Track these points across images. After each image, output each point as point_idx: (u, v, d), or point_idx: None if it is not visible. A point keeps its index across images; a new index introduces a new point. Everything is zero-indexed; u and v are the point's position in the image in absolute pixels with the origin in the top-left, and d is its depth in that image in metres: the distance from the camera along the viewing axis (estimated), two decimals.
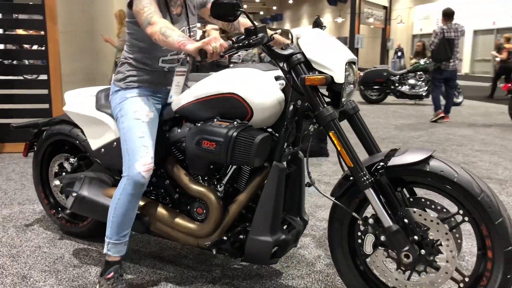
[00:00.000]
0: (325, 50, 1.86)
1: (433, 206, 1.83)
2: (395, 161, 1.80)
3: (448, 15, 7.63)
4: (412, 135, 6.58)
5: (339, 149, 1.82)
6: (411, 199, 1.86)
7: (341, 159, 1.85)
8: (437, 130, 7.02)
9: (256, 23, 1.79)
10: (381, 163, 1.82)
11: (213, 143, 1.92)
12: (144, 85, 2.21)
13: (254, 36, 1.77)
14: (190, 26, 2.23)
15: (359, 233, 1.95)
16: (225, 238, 2.07)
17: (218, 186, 2.11)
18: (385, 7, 27.39)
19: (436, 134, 6.65)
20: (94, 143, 2.46)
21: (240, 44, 1.77)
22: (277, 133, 2.02)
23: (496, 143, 6.05)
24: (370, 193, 1.80)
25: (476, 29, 22.33)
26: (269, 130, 2.02)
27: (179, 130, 2.19)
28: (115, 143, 2.33)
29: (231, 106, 1.98)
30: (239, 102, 1.96)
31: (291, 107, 1.94)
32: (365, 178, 1.79)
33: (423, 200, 1.85)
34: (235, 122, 1.95)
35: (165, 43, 1.87)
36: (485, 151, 5.50)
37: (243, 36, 1.80)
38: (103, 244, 2.19)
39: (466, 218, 1.76)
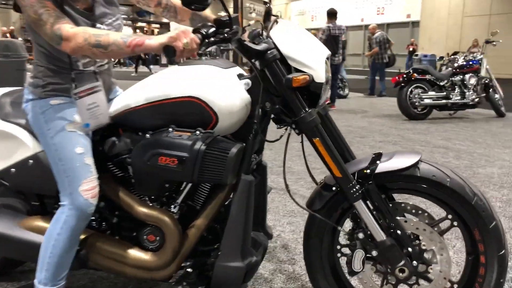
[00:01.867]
0: (301, 45, 1.62)
1: (414, 211, 1.71)
2: (383, 167, 1.64)
3: (332, 14, 8.59)
4: None
5: (325, 158, 1.61)
6: (394, 207, 1.72)
7: (325, 169, 1.64)
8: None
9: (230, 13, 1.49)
10: (368, 170, 1.64)
11: (174, 160, 1.58)
12: (69, 93, 1.71)
13: (229, 29, 1.47)
14: (110, 20, 1.72)
15: (339, 247, 1.77)
16: (189, 270, 1.74)
17: (172, 206, 1.77)
18: (265, 3, 27.94)
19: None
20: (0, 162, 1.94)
21: (214, 39, 1.46)
22: (241, 141, 1.76)
23: (394, 133, 6.38)
24: (361, 205, 1.62)
25: (347, 25, 23.85)
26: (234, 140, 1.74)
27: (117, 142, 1.79)
28: (30, 161, 1.85)
29: (190, 112, 1.66)
30: (201, 107, 1.64)
31: (259, 110, 1.68)
32: (355, 189, 1.60)
33: (403, 205, 1.72)
34: (197, 132, 1.63)
35: (106, 55, 1.48)
36: (387, 141, 5.75)
37: (214, 29, 1.49)
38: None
39: (455, 223, 1.66)
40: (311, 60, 1.59)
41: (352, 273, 1.70)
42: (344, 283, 1.83)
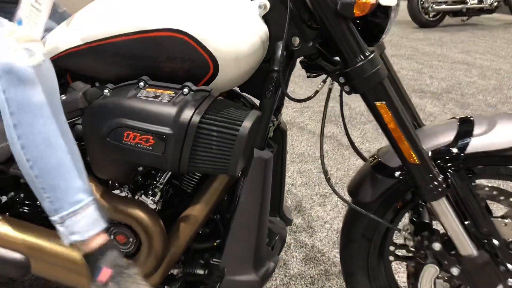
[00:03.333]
0: None
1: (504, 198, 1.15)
2: (479, 144, 1.05)
3: None
4: None
5: (394, 134, 1.00)
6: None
7: (395, 150, 1.04)
8: None
9: None
10: (456, 149, 1.05)
11: (147, 137, 0.97)
12: None
13: None
14: None
15: (392, 248, 1.23)
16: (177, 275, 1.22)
17: (150, 192, 1.19)
18: None
19: None
20: None
21: None
22: (255, 98, 1.14)
23: (405, 44, 5.67)
24: (443, 205, 1.04)
25: None
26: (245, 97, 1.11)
27: (63, 97, 1.14)
28: None
29: (173, 57, 1.02)
30: (190, 48, 0.99)
31: (283, 50, 1.04)
32: (436, 182, 1.01)
33: (488, 190, 1.14)
34: (185, 89, 1.00)
35: None
36: (400, 56, 5.07)
37: None
38: None
39: None
40: None
41: None
42: None
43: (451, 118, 1.16)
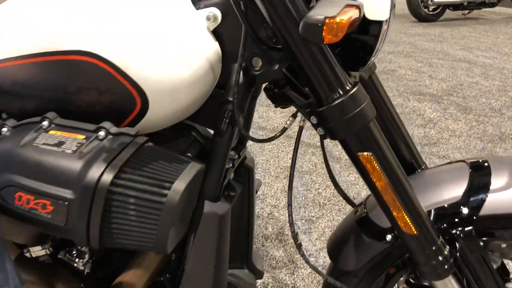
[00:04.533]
0: None
1: None
2: (498, 203, 0.78)
3: None
4: None
5: (384, 195, 0.74)
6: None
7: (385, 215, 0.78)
8: None
9: None
10: (467, 210, 0.79)
11: (44, 203, 0.70)
12: None
13: None
14: None
15: None
16: None
17: (76, 256, 0.92)
18: None
19: None
20: None
21: None
22: (200, 136, 0.89)
23: (404, 40, 5.38)
24: (449, 284, 0.79)
25: None
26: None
27: None
28: None
29: (87, 87, 0.75)
30: (110, 78, 0.73)
31: (237, 75, 0.79)
32: (442, 256, 0.75)
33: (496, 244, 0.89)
34: (102, 132, 0.73)
35: None
36: (398, 53, 4.78)
37: None
38: None
39: None
40: None
41: None
42: None
43: (460, 161, 0.89)
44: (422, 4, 6.47)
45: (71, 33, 0.73)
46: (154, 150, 0.73)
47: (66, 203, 0.68)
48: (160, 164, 0.71)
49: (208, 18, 0.79)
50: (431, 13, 6.62)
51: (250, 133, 0.99)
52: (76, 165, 0.69)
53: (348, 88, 0.70)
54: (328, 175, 0.97)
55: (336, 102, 0.69)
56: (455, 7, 6.70)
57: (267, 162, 2.41)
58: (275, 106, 0.90)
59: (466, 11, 6.92)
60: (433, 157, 2.52)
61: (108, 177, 0.67)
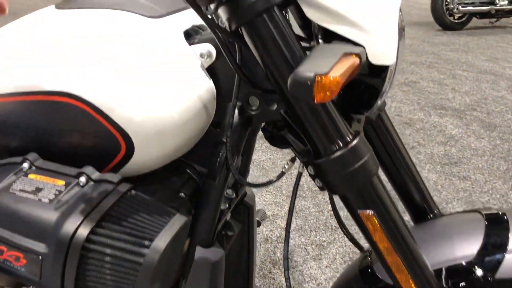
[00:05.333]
0: None
1: None
2: None
3: None
4: None
5: (387, 257, 0.67)
6: None
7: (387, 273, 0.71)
8: None
9: None
10: (481, 272, 0.71)
11: (17, 255, 0.65)
12: None
13: None
14: None
15: None
16: None
17: None
18: None
19: None
20: None
21: None
22: (196, 174, 0.84)
23: (427, 50, 5.25)
24: None
25: None
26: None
27: None
28: None
29: (69, 129, 0.71)
30: (92, 120, 0.68)
31: (236, 111, 0.73)
32: None
33: None
34: (83, 178, 0.68)
35: None
36: (421, 64, 4.66)
37: None
38: None
39: None
40: (370, 7, 0.59)
41: None
42: None
43: (475, 211, 0.82)
44: (447, 12, 6.31)
45: (51, 73, 0.68)
46: (136, 200, 0.68)
47: (40, 257, 0.64)
48: (141, 217, 0.65)
49: (202, 56, 0.74)
50: (456, 21, 6.46)
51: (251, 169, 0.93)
52: (51, 216, 0.64)
53: (348, 139, 0.63)
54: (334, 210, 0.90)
55: (335, 155, 0.62)
56: (482, 15, 6.51)
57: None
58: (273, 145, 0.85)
59: (494, 19, 6.73)
60: (453, 178, 2.41)
61: (83, 232, 0.62)
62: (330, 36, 0.62)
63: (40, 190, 0.67)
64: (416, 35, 6.08)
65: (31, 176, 0.70)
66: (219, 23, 0.65)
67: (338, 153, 0.62)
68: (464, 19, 6.49)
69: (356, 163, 0.62)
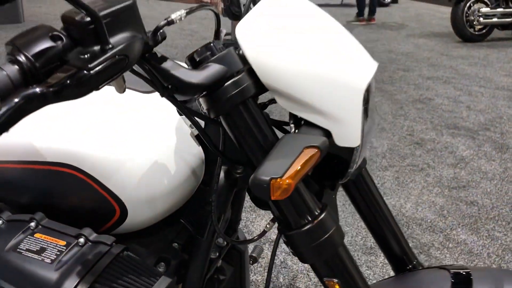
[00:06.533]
0: (310, 54, 0.67)
1: None
2: None
3: None
4: None
5: None
6: None
7: None
8: (376, 46, 6.07)
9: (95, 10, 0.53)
10: None
11: None
12: None
13: (105, 46, 0.54)
14: None
15: None
16: None
17: None
18: None
19: (376, 53, 5.69)
20: None
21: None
22: (190, 223, 0.91)
23: (445, 64, 5.24)
24: None
25: None
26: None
27: None
28: None
29: (69, 195, 0.80)
30: (89, 188, 0.77)
31: (222, 175, 0.81)
32: None
33: None
34: (82, 239, 0.77)
35: None
36: (437, 79, 4.66)
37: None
38: None
39: None
40: (334, 97, 0.66)
41: None
42: None
43: (443, 268, 0.87)
44: (468, 24, 6.26)
45: (54, 146, 0.77)
46: (127, 262, 0.76)
47: None
48: (130, 279, 0.74)
49: (191, 126, 0.81)
50: (477, 33, 6.40)
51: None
52: (52, 277, 0.72)
53: (316, 213, 0.70)
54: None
55: (304, 228, 0.69)
56: (504, 26, 6.44)
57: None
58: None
59: None
60: (460, 203, 2.44)
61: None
62: (301, 120, 0.69)
63: (43, 251, 0.76)
64: (435, 47, 6.06)
65: (36, 235, 0.78)
66: (200, 110, 0.73)
67: (306, 227, 0.69)
68: (485, 30, 6.43)
69: (323, 236, 0.69)
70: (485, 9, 6.18)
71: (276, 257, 2.01)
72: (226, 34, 0.84)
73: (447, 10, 7.89)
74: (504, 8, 6.23)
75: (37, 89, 0.49)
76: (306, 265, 2.00)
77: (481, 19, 6.21)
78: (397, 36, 6.80)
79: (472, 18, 6.22)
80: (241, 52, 0.66)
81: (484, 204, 2.44)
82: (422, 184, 2.64)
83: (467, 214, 2.35)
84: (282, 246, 2.07)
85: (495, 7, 6.24)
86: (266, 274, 1.90)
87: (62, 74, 0.51)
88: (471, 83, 4.54)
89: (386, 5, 9.69)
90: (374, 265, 1.97)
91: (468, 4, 6.19)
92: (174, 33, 6.42)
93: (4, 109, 0.47)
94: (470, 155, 3.01)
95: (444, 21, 7.62)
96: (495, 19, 6.25)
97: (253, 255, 1.22)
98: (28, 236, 0.79)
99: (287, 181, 0.55)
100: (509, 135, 3.32)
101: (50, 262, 0.74)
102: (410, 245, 2.12)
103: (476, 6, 6.20)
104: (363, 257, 2.02)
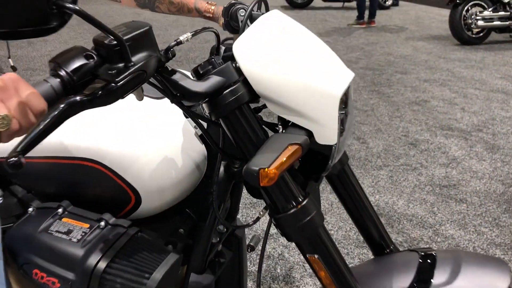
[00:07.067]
0: (295, 68, 0.81)
1: None
2: None
3: None
4: (350, 58, 5.70)
5: (324, 282, 0.87)
6: None
7: None
8: (375, 49, 6.19)
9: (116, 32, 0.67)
10: None
11: (53, 280, 0.88)
12: None
13: (123, 64, 0.67)
14: None
15: None
16: None
17: None
18: None
19: (374, 56, 5.83)
20: None
21: (94, 95, 0.66)
22: (194, 212, 1.04)
23: (442, 67, 5.36)
24: None
25: None
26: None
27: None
28: None
29: (91, 185, 0.94)
30: (109, 179, 0.91)
31: (222, 169, 0.95)
32: None
33: None
34: (102, 222, 0.91)
35: None
36: (434, 82, 4.79)
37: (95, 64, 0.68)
38: None
39: None
40: (314, 104, 0.79)
41: None
42: None
43: (413, 250, 1.01)
44: (465, 27, 6.39)
45: (78, 143, 0.91)
46: (141, 241, 0.90)
47: (70, 283, 0.86)
48: (144, 255, 0.87)
49: (195, 127, 0.95)
50: (474, 36, 6.52)
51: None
52: (78, 252, 0.86)
53: (300, 200, 0.83)
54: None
55: (290, 212, 0.83)
56: (501, 29, 6.56)
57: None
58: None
59: None
60: (450, 201, 2.57)
61: (102, 266, 0.85)
62: (288, 122, 0.83)
63: (70, 232, 0.90)
64: (433, 50, 6.18)
65: (64, 219, 0.92)
66: (203, 113, 0.87)
67: (292, 211, 0.83)
68: (482, 34, 6.55)
69: (305, 218, 0.83)
70: (484, 13, 6.30)
71: (274, 250, 2.14)
72: (228, 39, 0.98)
73: (447, 13, 8.02)
74: (499, 11, 6.35)
75: (77, 98, 0.63)
76: (302, 256, 2.13)
77: (478, 22, 6.33)
78: (396, 39, 6.93)
79: (470, 21, 6.34)
80: (237, 65, 0.80)
81: (472, 201, 2.57)
82: (415, 183, 2.77)
83: (456, 211, 2.48)
84: (280, 240, 2.21)
85: (493, 11, 6.37)
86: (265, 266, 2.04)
87: (95, 85, 0.65)
88: (466, 86, 4.66)
89: (387, 8, 9.80)
90: (366, 257, 2.10)
91: (466, 8, 6.32)
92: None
93: (52, 113, 0.61)
94: (462, 155, 3.14)
95: (444, 24, 7.73)
96: (492, 22, 6.37)
97: (251, 244, 1.35)
98: (57, 220, 0.93)
99: (273, 170, 0.69)
100: (501, 136, 3.44)
101: (76, 241, 0.88)
102: (400, 239, 2.26)
103: (474, 9, 6.33)
104: (356, 250, 2.15)
